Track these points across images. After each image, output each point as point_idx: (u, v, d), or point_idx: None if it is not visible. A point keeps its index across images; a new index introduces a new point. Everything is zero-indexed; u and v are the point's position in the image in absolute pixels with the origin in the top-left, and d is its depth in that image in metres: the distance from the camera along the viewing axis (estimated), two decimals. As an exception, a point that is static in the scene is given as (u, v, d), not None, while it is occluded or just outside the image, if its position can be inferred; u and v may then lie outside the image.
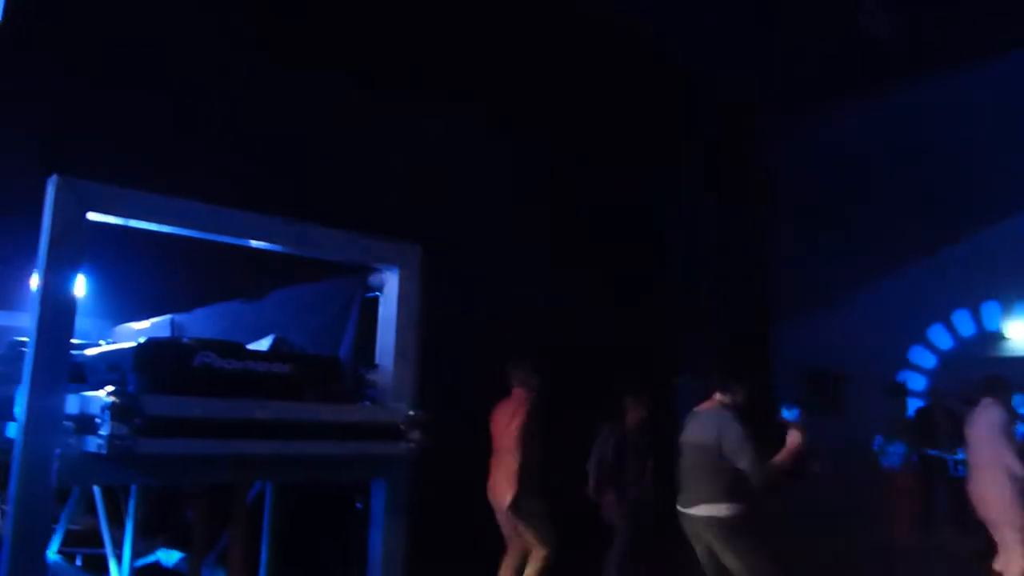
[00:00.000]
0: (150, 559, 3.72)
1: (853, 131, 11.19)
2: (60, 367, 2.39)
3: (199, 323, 3.96)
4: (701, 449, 4.25)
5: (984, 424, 5.36)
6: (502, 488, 5.03)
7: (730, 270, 11.41)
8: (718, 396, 4.44)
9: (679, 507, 4.35)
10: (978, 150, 9.93)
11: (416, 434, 2.87)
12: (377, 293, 3.16)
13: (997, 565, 5.16)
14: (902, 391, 9.47)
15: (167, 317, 4.20)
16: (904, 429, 8.71)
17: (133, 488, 3.09)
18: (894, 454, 8.63)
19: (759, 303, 11.79)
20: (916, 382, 10.34)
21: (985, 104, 9.97)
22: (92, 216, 2.47)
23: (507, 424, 5.10)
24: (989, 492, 5.16)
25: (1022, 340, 9.78)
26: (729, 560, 4.10)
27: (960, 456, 7.51)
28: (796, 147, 11.78)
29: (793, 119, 11.65)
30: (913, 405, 9.75)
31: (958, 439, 7.06)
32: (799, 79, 10.61)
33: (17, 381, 2.42)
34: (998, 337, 9.92)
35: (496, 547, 5.43)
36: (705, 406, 4.48)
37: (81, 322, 2.77)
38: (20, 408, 2.32)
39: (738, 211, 11.72)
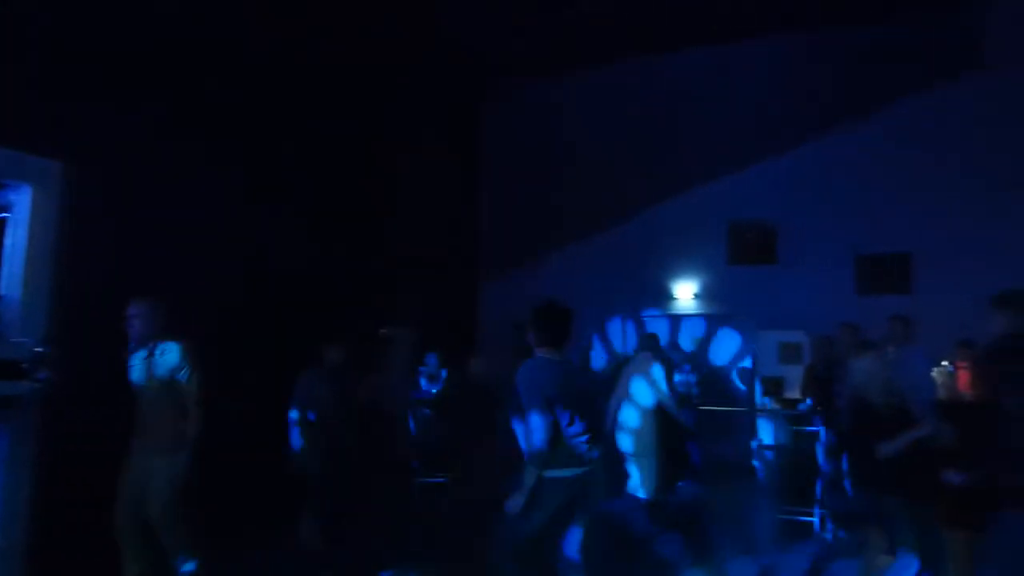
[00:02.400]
0: None
1: (571, 100, 12.03)
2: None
3: None
4: None
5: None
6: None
7: (444, 225, 11.74)
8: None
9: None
10: (676, 125, 11.15)
11: (44, 373, 2.54)
12: (5, 215, 2.74)
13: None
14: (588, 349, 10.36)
15: None
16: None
17: None
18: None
19: (472, 258, 12.28)
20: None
21: (683, 83, 11.20)
22: None
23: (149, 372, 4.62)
24: None
25: (686, 300, 11.19)
26: None
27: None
28: (515, 113, 12.38)
29: (517, 86, 12.26)
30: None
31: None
32: (525, 49, 11.12)
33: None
34: (668, 295, 11.26)
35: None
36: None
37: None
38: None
39: (455, 167, 12.07)
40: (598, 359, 10.55)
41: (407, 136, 10.95)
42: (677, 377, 9.23)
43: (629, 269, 11.36)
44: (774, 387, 10.10)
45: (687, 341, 10.65)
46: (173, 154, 6.83)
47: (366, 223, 10.00)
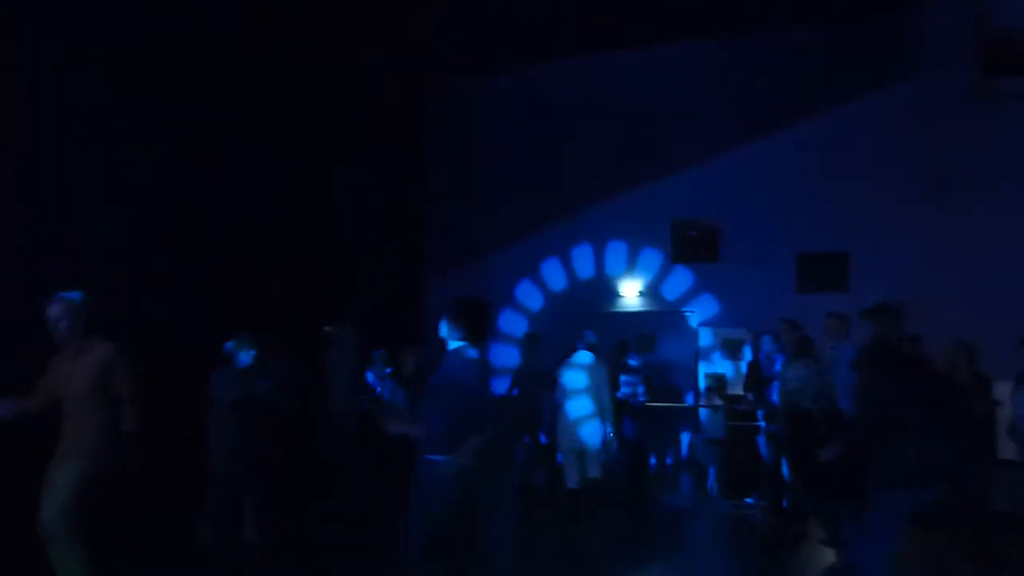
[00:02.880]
0: None
1: (516, 99, 12.01)
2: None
3: None
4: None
5: None
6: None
7: (387, 225, 11.64)
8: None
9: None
10: (620, 125, 11.21)
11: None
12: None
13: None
14: (536, 340, 10.30)
15: None
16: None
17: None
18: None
19: (415, 257, 12.19)
20: (518, 325, 11.55)
21: (628, 83, 11.27)
22: None
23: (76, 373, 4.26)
24: None
25: (632, 298, 11.27)
26: None
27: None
28: (454, 112, 12.31)
29: (461, 84, 12.21)
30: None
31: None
32: (469, 46, 11.05)
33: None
34: (614, 294, 11.33)
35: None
36: None
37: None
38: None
39: (398, 168, 11.97)
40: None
41: (349, 134, 10.82)
42: (623, 378, 9.36)
43: (574, 266, 11.40)
44: (717, 383, 10.24)
45: (633, 339, 10.70)
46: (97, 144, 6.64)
47: (307, 221, 9.85)
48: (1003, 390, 5.98)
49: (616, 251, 11.40)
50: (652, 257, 11.22)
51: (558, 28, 10.43)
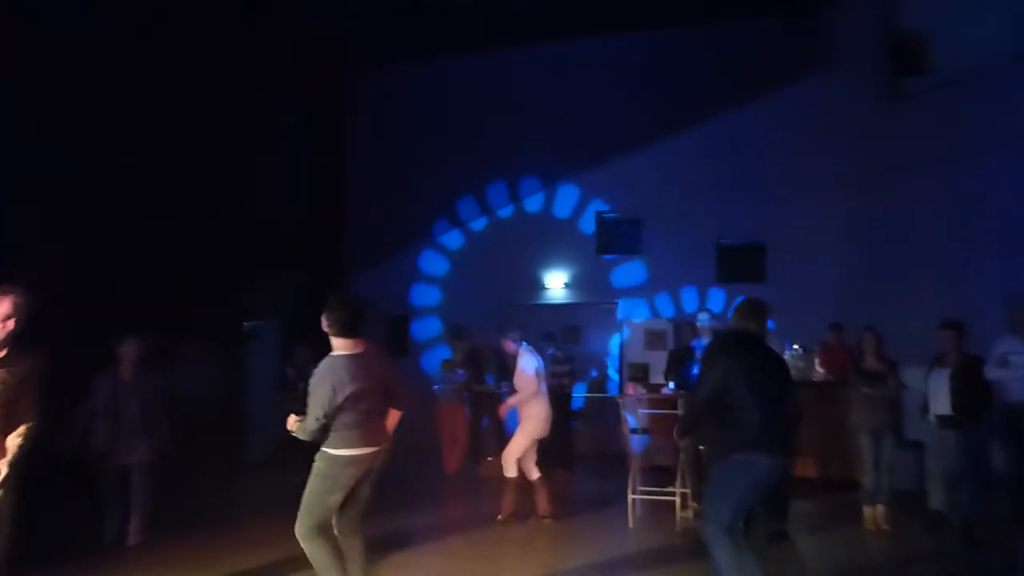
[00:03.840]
0: None
1: (438, 90, 11.91)
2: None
3: None
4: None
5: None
6: None
7: (312, 219, 11.44)
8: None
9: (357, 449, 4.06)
10: (544, 117, 11.24)
11: None
12: None
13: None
14: (462, 333, 10.27)
15: None
16: (456, 364, 9.58)
17: None
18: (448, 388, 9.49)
19: (339, 251, 12.00)
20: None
21: (550, 76, 11.31)
22: None
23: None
24: None
25: (556, 290, 11.34)
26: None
27: (504, 389, 8.61)
28: (381, 102, 12.15)
29: (382, 74, 12.06)
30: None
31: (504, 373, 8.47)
32: (388, 37, 10.92)
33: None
34: (539, 286, 11.38)
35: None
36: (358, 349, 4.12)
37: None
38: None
39: (324, 161, 11.80)
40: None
41: (268, 126, 10.59)
42: (552, 369, 9.39)
43: (500, 260, 11.38)
44: (640, 372, 10.40)
45: (558, 330, 10.75)
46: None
47: (226, 214, 9.56)
48: (915, 375, 6.27)
49: (542, 243, 11.44)
50: (578, 249, 11.30)
51: (481, 19, 10.38)
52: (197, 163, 8.99)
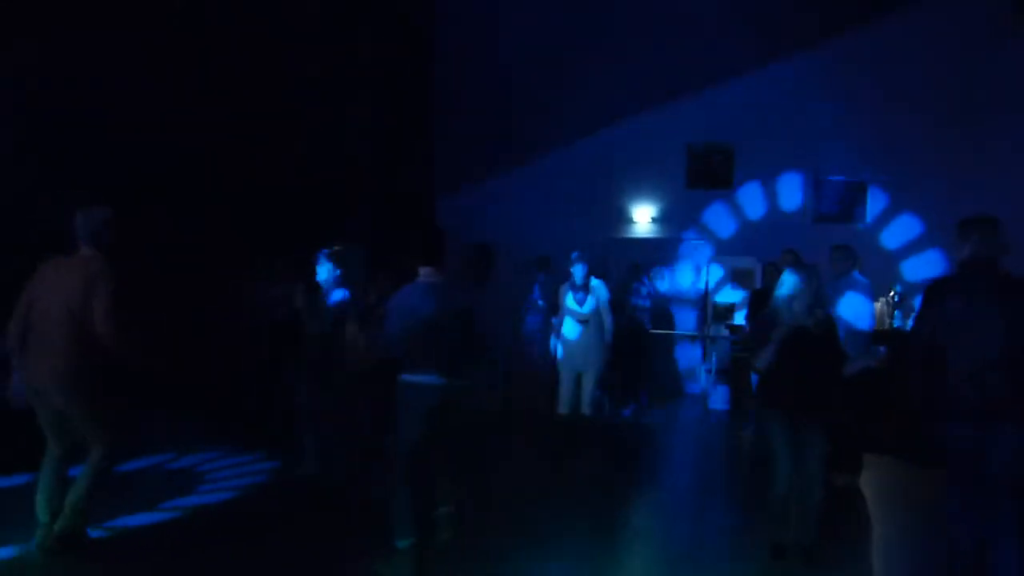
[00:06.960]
0: None
1: (527, 15, 11.55)
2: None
3: None
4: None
5: None
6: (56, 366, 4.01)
7: (398, 140, 11.47)
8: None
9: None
10: (631, 46, 10.79)
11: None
12: None
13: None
14: (546, 263, 10.21)
15: None
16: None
17: None
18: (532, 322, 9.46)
19: (422, 176, 12.04)
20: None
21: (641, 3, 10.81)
22: None
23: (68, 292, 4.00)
24: None
25: (645, 224, 11.11)
26: None
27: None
28: (467, 25, 11.90)
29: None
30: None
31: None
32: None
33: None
34: (627, 220, 11.17)
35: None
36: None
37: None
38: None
39: (404, 85, 11.72)
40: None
41: (358, 49, 10.58)
42: (633, 300, 9.30)
43: (586, 190, 11.17)
44: (725, 313, 10.16)
45: (646, 265, 10.55)
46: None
47: (318, 137, 9.73)
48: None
49: (630, 175, 11.14)
50: (667, 182, 10.98)
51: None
52: (294, 90, 9.12)
